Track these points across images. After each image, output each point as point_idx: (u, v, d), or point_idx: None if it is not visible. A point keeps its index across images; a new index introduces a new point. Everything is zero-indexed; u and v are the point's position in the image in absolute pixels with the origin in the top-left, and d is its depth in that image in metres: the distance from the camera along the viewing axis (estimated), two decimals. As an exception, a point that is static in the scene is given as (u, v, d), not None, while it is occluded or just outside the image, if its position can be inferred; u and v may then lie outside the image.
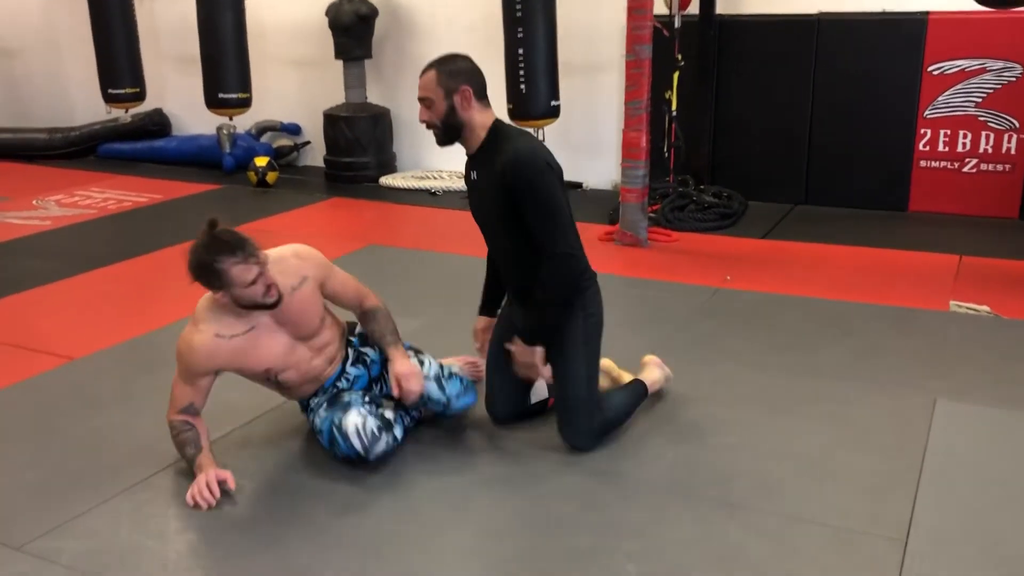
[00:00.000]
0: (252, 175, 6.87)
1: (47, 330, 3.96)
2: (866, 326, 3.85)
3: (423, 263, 4.91)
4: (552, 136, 5.90)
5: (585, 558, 2.31)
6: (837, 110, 5.82)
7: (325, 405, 2.80)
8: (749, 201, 5.83)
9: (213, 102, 6.86)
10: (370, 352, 2.95)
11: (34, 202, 6.40)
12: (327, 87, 7.26)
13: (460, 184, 6.62)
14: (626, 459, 2.78)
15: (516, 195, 2.63)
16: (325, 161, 7.25)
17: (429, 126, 2.76)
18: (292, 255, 2.76)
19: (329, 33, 6.91)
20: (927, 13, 5.53)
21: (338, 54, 6.96)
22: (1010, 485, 2.61)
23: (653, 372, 3.13)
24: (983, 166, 5.61)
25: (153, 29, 7.77)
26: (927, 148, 5.70)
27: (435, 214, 6.03)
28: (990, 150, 5.56)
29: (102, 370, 3.52)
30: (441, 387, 2.88)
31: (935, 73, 5.57)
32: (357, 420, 2.67)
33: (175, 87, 7.95)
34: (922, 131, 5.68)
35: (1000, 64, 5.42)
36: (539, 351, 2.74)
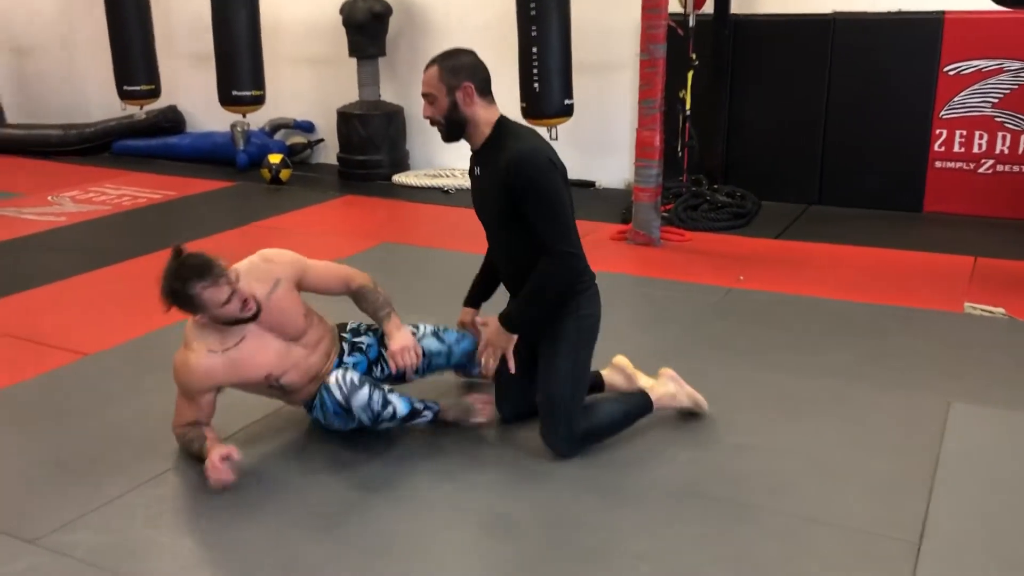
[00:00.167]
0: (266, 172, 6.89)
1: (61, 325, 3.98)
2: (880, 327, 3.83)
3: (436, 261, 4.91)
4: (565, 135, 5.90)
5: (596, 558, 2.31)
6: (851, 110, 5.79)
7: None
8: (763, 201, 5.81)
9: (227, 99, 6.88)
10: (364, 339, 2.99)
11: (49, 198, 6.43)
12: (341, 85, 7.27)
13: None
14: (637, 459, 2.77)
15: (518, 193, 2.62)
16: (338, 159, 7.26)
17: (433, 122, 2.76)
18: (261, 260, 2.81)
19: (343, 31, 6.92)
20: (943, 13, 5.50)
21: (352, 52, 6.97)
22: (1025, 488, 2.60)
23: (664, 386, 2.97)
24: (999, 167, 5.57)
25: (168, 26, 7.80)
26: (942, 149, 5.66)
27: (448, 212, 6.03)
28: (1006, 151, 5.53)
29: (115, 366, 3.53)
30: (440, 339, 2.97)
31: (951, 73, 5.53)
32: (337, 373, 2.72)
33: (189, 84, 7.98)
34: (938, 131, 5.64)
35: (1018, 64, 5.38)
36: (512, 338, 2.73)
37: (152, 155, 7.85)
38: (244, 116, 7.10)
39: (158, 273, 2.61)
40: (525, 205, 2.63)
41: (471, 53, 2.76)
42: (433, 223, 5.87)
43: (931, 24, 5.52)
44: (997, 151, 5.54)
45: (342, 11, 6.87)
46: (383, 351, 2.95)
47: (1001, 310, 4.00)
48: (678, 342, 3.72)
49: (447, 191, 6.61)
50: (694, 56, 5.58)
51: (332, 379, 2.71)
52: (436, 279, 4.60)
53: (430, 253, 5.05)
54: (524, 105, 5.76)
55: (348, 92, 7.17)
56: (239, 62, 6.79)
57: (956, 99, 5.56)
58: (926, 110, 5.63)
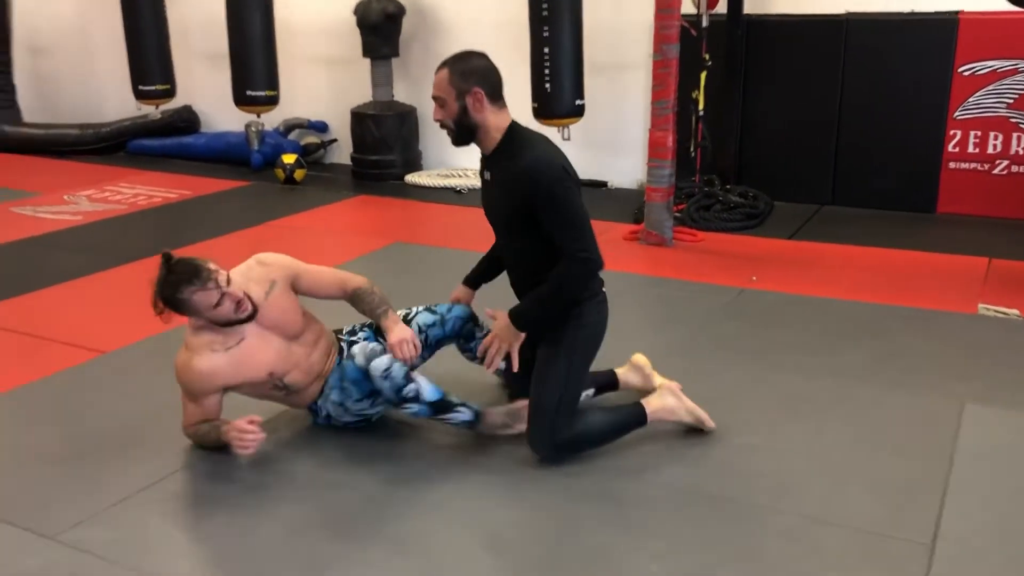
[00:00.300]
0: (280, 172, 6.92)
1: (78, 323, 4.02)
2: (893, 328, 3.83)
3: (448, 261, 4.91)
4: (577, 135, 5.91)
5: (608, 557, 2.32)
6: (865, 110, 5.77)
7: (331, 377, 2.89)
8: (775, 201, 5.80)
9: (241, 99, 6.92)
10: (360, 335, 3.03)
11: (65, 197, 6.48)
12: (354, 85, 7.29)
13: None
14: (649, 459, 2.78)
15: (534, 203, 2.60)
16: (352, 159, 7.29)
17: (443, 125, 2.74)
18: (256, 264, 2.87)
19: (357, 31, 6.95)
20: (957, 13, 5.48)
21: (366, 52, 6.99)
22: (1038, 490, 2.59)
23: (662, 399, 2.88)
24: (1014, 168, 5.54)
25: (183, 26, 7.84)
26: (956, 149, 5.64)
27: (460, 212, 6.05)
28: (1021, 152, 5.50)
29: (132, 364, 3.56)
30: (431, 311, 3.00)
31: (966, 74, 5.51)
32: (361, 343, 2.76)
33: (204, 84, 8.02)
34: (952, 132, 5.62)
35: (1033, 65, 5.36)
36: (520, 336, 2.71)
37: (167, 155, 7.90)
38: (258, 116, 7.14)
39: (151, 278, 2.66)
40: (541, 215, 2.61)
41: (483, 57, 2.73)
42: (445, 223, 5.88)
43: (946, 24, 5.50)
44: (1012, 152, 5.52)
45: (356, 12, 6.89)
46: (380, 340, 2.97)
47: (1015, 311, 3.99)
48: (689, 342, 3.73)
49: (459, 191, 6.62)
50: (707, 56, 5.58)
51: (356, 347, 2.76)
52: (448, 278, 4.56)
53: (442, 253, 5.06)
54: (535, 105, 5.77)
55: (361, 92, 7.20)
56: (253, 62, 6.82)
57: (971, 100, 5.54)
58: (940, 110, 5.61)
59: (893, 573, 2.25)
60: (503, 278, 3.00)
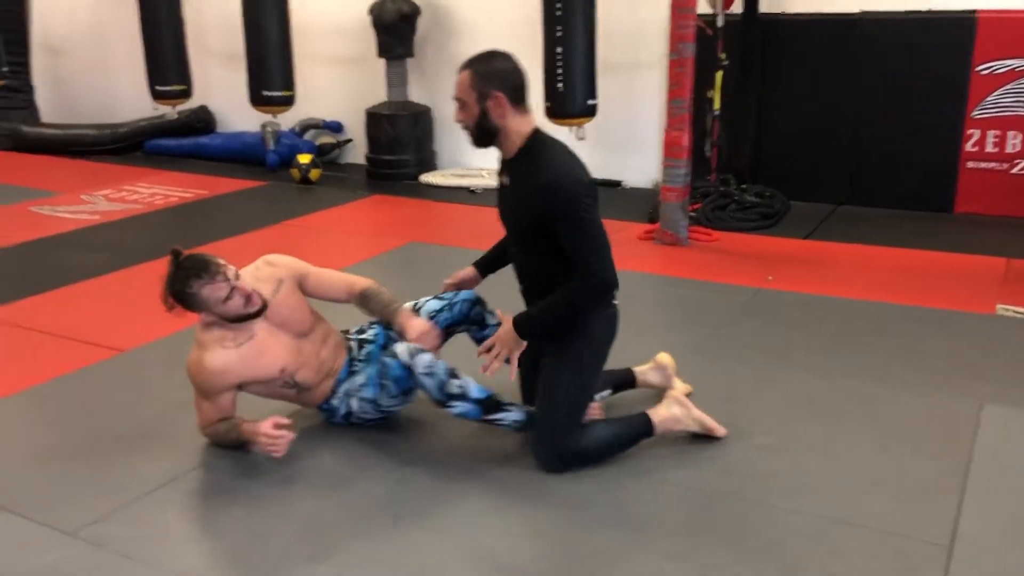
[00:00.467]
0: (295, 172, 6.95)
1: (96, 322, 4.05)
2: (910, 329, 3.81)
3: (462, 260, 4.91)
4: (592, 134, 5.90)
5: (621, 557, 2.32)
6: (882, 109, 5.74)
7: (360, 374, 2.90)
8: (791, 201, 5.78)
9: (258, 99, 6.95)
10: (369, 333, 3.04)
11: (83, 197, 6.53)
12: (369, 85, 7.31)
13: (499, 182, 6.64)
14: (664, 458, 2.77)
15: (551, 218, 2.55)
16: (367, 159, 7.31)
17: (464, 127, 2.69)
18: (264, 264, 2.90)
19: (372, 32, 6.97)
20: (975, 12, 5.44)
21: (381, 52, 7.01)
22: (1058, 492, 2.57)
23: (669, 408, 2.82)
24: (1032, 167, 5.51)
25: (199, 26, 7.88)
26: (975, 149, 5.60)
27: (475, 211, 6.05)
28: (1040, 151, 5.47)
29: (149, 362, 3.59)
30: (438, 297, 2.99)
31: (984, 73, 5.47)
32: (404, 343, 2.77)
33: (220, 84, 8.06)
34: (969, 131, 5.58)
35: (1052, 64, 5.32)
36: (522, 344, 2.66)
37: (183, 155, 7.94)
38: (274, 116, 7.17)
39: (161, 274, 2.68)
40: (559, 231, 2.55)
41: (507, 58, 2.64)
42: (460, 223, 5.89)
43: (963, 23, 5.46)
44: (1030, 151, 5.49)
45: (371, 12, 6.91)
46: (391, 334, 2.98)
47: (1034, 312, 3.96)
48: (705, 342, 3.72)
49: (474, 191, 6.63)
50: (723, 56, 5.56)
51: (399, 345, 2.76)
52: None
53: (457, 252, 5.05)
54: (548, 104, 5.78)
55: (376, 92, 7.22)
56: (270, 63, 6.85)
57: (989, 99, 5.50)
58: (958, 110, 5.57)
59: (911, 574, 2.24)
60: (513, 282, 2.98)
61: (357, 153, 7.68)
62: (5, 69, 8.09)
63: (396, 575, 2.27)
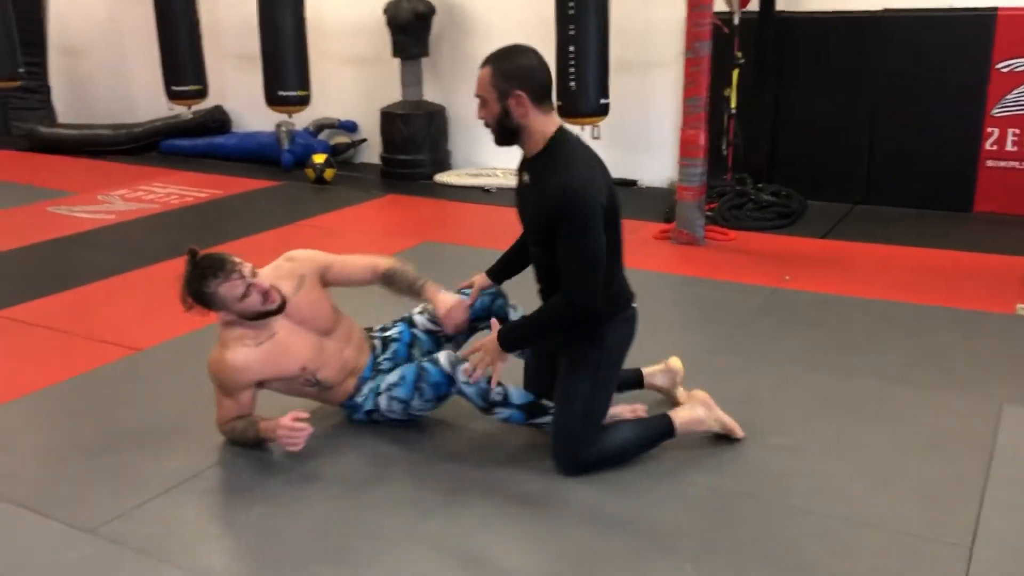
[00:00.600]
0: (310, 172, 6.96)
1: (113, 321, 4.06)
2: (929, 329, 3.78)
3: (477, 260, 4.91)
4: (607, 133, 5.89)
5: (642, 557, 2.31)
6: (900, 108, 5.70)
7: (389, 372, 2.88)
8: (808, 200, 5.75)
9: (274, 99, 6.96)
10: (393, 331, 3.03)
11: (99, 197, 6.56)
12: (384, 85, 7.32)
13: (514, 181, 6.62)
14: (682, 458, 2.76)
15: (557, 223, 2.50)
16: (381, 158, 7.32)
17: (486, 124, 2.64)
18: (284, 261, 2.90)
19: (387, 31, 6.97)
20: (996, 9, 5.40)
21: (395, 52, 7.02)
22: (1081, 493, 2.55)
23: (693, 410, 2.79)
24: (1053, 166, 5.46)
25: (214, 27, 7.91)
26: (994, 147, 5.56)
27: (489, 211, 6.05)
28: (1060, 150, 5.42)
29: (166, 361, 3.60)
30: (461, 292, 2.97)
31: (1004, 70, 5.43)
32: (446, 352, 2.78)
33: (235, 84, 8.09)
34: (989, 130, 5.54)
35: (1072, 61, 5.27)
36: (505, 356, 2.63)
37: (199, 155, 7.98)
38: (290, 116, 7.19)
39: (179, 274, 2.69)
40: (558, 237, 2.51)
41: (529, 54, 2.57)
42: (475, 222, 5.89)
43: (983, 20, 5.42)
44: (1051, 150, 5.44)
45: (386, 11, 6.92)
46: (416, 332, 2.97)
47: (1055, 312, 3.92)
48: (723, 342, 3.70)
49: (488, 190, 6.63)
50: (739, 54, 5.54)
51: (441, 353, 2.78)
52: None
53: (472, 251, 5.06)
54: (560, 103, 5.76)
55: (391, 92, 7.22)
56: (285, 62, 6.86)
57: (1009, 97, 5.45)
58: (977, 108, 5.53)
59: (931, 575, 2.22)
60: (531, 283, 2.97)
61: (372, 153, 7.69)
62: (22, 70, 8.13)
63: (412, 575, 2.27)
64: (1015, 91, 5.42)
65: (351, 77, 7.71)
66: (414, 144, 7.08)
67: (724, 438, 2.84)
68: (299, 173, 7.16)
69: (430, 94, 7.24)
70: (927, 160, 5.70)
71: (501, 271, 3.00)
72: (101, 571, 2.29)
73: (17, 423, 3.12)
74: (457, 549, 2.36)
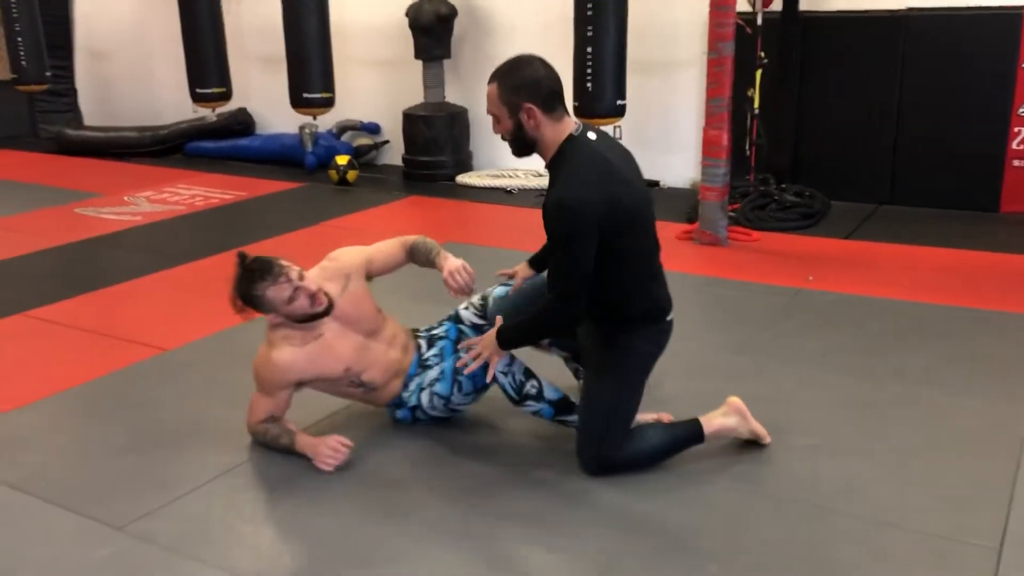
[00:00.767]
0: (333, 173, 7.00)
1: (140, 321, 4.11)
2: (955, 329, 3.75)
3: (499, 261, 4.92)
4: (629, 133, 5.88)
5: (667, 556, 2.31)
6: (925, 107, 5.66)
7: (434, 368, 2.90)
8: (832, 200, 5.72)
9: (298, 102, 7.01)
10: (440, 330, 3.05)
11: (126, 198, 6.63)
12: (406, 87, 7.35)
13: (536, 183, 6.64)
14: (708, 459, 2.75)
15: (549, 233, 2.55)
16: (403, 160, 7.35)
17: (503, 139, 2.66)
18: (328, 262, 2.93)
19: (409, 33, 7.00)
20: (1022, 8, 5.34)
21: (418, 54, 7.04)
22: (1112, 496, 2.52)
23: (727, 417, 2.76)
24: (1081, 166, 5.40)
25: (238, 30, 7.98)
26: (1021, 147, 5.50)
27: (511, 212, 6.06)
28: (1088, 149, 5.36)
29: (193, 361, 3.63)
30: (505, 285, 3.01)
31: (1030, 69, 5.38)
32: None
33: (259, 87, 8.15)
34: (1016, 129, 5.48)
35: (1101, 59, 5.21)
36: (501, 353, 2.67)
37: (223, 156, 8.04)
38: (314, 118, 7.24)
39: (229, 274, 2.73)
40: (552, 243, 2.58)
41: (533, 64, 2.56)
42: (497, 223, 5.90)
43: (1010, 19, 5.37)
44: (1079, 149, 5.38)
45: (408, 13, 6.95)
46: (462, 328, 3.00)
47: (1084, 313, 3.88)
48: (747, 342, 3.69)
49: (510, 191, 6.64)
50: (763, 54, 5.52)
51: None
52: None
53: (494, 253, 5.06)
54: (576, 104, 5.78)
55: (413, 94, 7.25)
56: (310, 65, 6.91)
57: (1036, 96, 5.40)
58: (1004, 107, 5.47)
59: (960, 578, 2.21)
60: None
61: (394, 154, 7.72)
62: (49, 73, 8.24)
63: None
64: (1042, 90, 5.38)
65: (373, 79, 7.75)
66: (436, 146, 7.10)
67: (751, 442, 2.84)
68: (322, 175, 7.20)
69: (452, 96, 7.26)
70: (952, 160, 5.65)
71: (543, 260, 3.01)
72: (130, 568, 2.32)
73: (47, 422, 3.16)
74: (482, 548, 2.37)
